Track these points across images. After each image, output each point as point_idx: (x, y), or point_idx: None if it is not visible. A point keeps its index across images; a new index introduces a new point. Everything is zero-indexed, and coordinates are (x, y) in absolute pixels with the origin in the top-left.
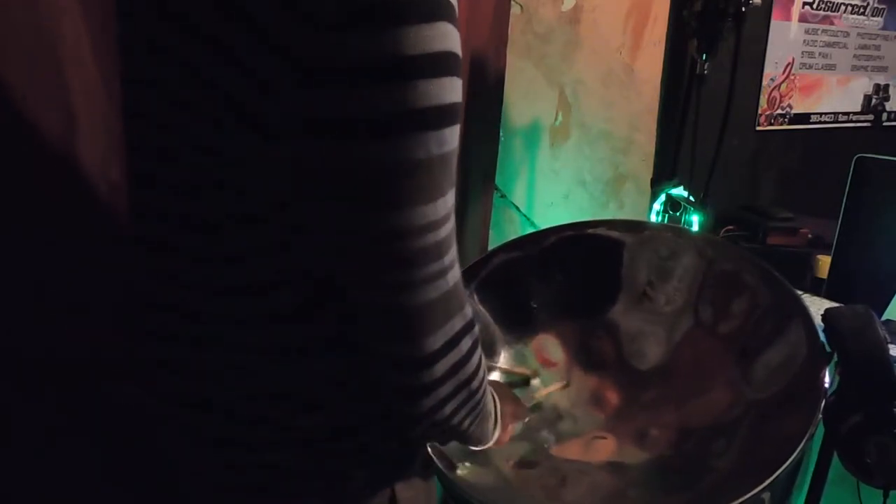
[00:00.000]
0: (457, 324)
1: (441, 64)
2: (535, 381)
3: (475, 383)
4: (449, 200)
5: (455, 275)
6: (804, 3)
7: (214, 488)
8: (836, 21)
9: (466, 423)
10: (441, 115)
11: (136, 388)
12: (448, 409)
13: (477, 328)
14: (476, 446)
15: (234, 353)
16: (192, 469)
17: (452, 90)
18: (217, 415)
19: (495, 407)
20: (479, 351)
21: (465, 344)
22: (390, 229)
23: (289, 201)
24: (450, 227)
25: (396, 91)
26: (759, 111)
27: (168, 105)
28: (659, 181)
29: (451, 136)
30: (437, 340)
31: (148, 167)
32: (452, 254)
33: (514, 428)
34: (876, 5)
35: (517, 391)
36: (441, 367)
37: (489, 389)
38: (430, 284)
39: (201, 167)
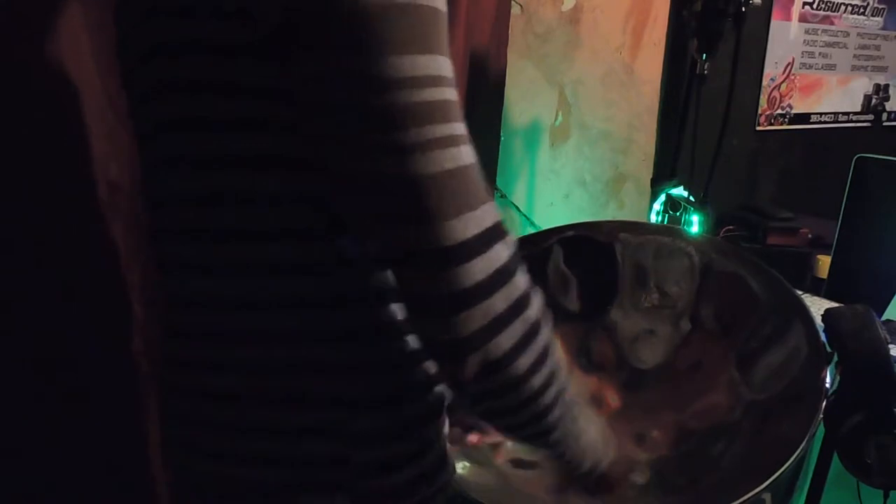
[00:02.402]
0: (488, 217)
1: None
2: None
3: (532, 314)
4: (439, 65)
5: (464, 157)
6: (804, 3)
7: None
8: (836, 21)
9: (538, 381)
10: None
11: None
12: (505, 340)
13: (517, 253)
14: (568, 455)
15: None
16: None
17: None
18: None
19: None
20: (526, 279)
21: (503, 252)
22: (384, 74)
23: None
24: (445, 95)
25: None
26: (759, 111)
27: None
28: (659, 181)
29: None
30: (465, 225)
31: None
32: (460, 130)
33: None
34: (876, 5)
35: None
36: (481, 266)
37: (563, 363)
38: (443, 150)
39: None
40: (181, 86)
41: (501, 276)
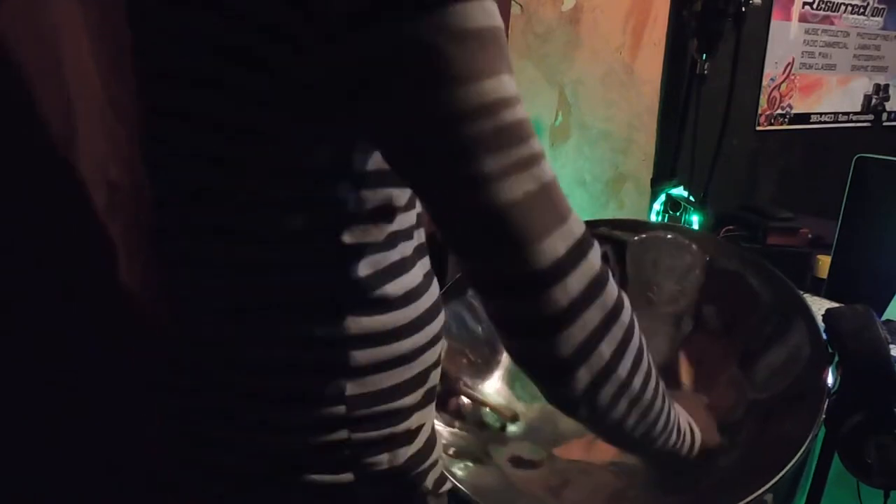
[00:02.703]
0: (576, 228)
1: None
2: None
3: (626, 317)
4: (510, 85)
5: (545, 174)
6: (804, 3)
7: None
8: (836, 21)
9: (639, 380)
10: None
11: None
12: (606, 348)
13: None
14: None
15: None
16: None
17: None
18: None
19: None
20: (613, 281)
21: (594, 261)
22: (456, 107)
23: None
24: (520, 115)
25: None
26: (759, 111)
27: None
28: (659, 181)
29: (494, 9)
30: (556, 243)
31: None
32: (531, 150)
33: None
34: (876, 5)
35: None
36: (576, 280)
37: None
38: (525, 172)
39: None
40: (200, 85)
41: (595, 287)
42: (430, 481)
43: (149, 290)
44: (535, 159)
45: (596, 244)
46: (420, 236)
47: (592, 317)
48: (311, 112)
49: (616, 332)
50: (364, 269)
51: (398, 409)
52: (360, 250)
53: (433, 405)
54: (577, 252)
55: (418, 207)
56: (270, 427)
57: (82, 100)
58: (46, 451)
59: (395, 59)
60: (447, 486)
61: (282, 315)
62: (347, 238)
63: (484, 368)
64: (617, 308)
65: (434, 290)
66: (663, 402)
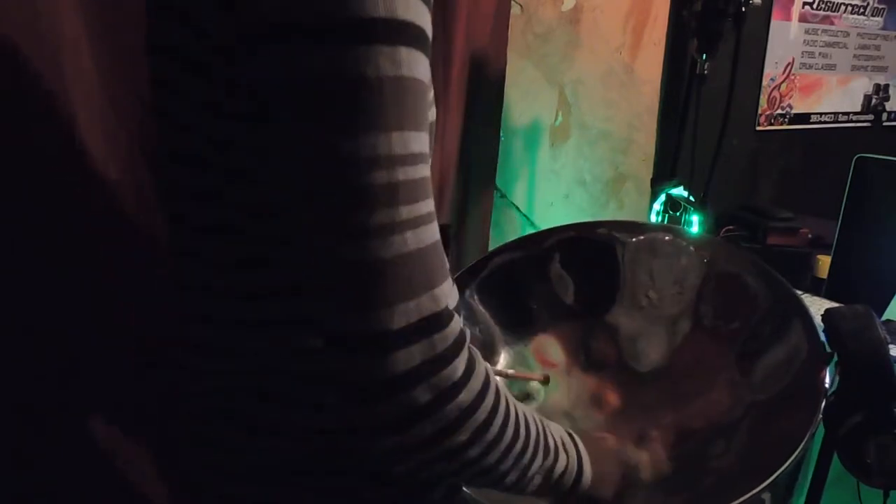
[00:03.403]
0: (424, 308)
1: None
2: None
3: (465, 398)
4: (411, 142)
5: (420, 240)
6: (804, 3)
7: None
8: (836, 21)
9: (479, 456)
10: (394, 30)
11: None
12: (429, 427)
13: (468, 345)
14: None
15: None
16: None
17: (409, 8)
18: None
19: (557, 445)
20: (479, 366)
21: (440, 343)
22: (326, 153)
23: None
24: (413, 175)
25: None
26: (759, 111)
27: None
28: (659, 181)
29: (409, 60)
30: (395, 316)
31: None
32: (418, 212)
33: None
34: (876, 5)
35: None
36: (405, 357)
37: (530, 420)
38: (381, 238)
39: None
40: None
41: (433, 368)
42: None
43: (149, 290)
44: (398, 228)
45: (453, 323)
46: None
47: (422, 397)
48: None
49: (450, 413)
50: None
51: None
52: None
53: None
54: (420, 330)
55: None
56: (303, 434)
57: (82, 100)
58: (46, 451)
59: (301, 89)
60: (462, 492)
61: (310, 324)
62: None
63: (489, 352)
64: (451, 392)
65: None
66: (520, 464)
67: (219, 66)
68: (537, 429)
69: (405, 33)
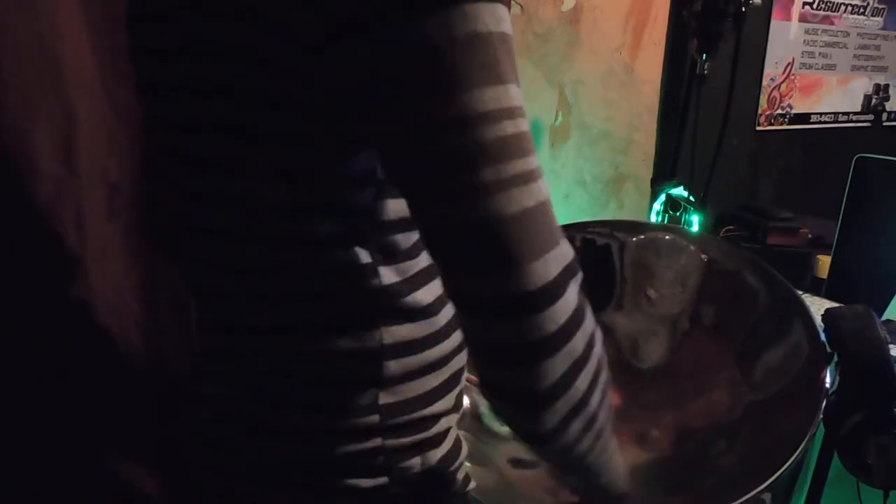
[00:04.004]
0: (567, 252)
1: None
2: None
3: (600, 348)
4: (520, 94)
5: (548, 190)
6: (804, 3)
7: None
8: (836, 21)
9: (602, 417)
10: None
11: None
12: (583, 381)
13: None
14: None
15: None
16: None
17: None
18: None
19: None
20: (589, 307)
21: (579, 283)
22: (459, 112)
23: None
24: (528, 126)
25: None
26: (759, 111)
27: None
28: (659, 181)
29: (505, 16)
30: (549, 265)
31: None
32: (536, 162)
33: None
34: (876, 5)
35: None
36: (564, 307)
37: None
38: (524, 187)
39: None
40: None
41: (578, 315)
42: (458, 481)
43: (149, 290)
44: (534, 175)
45: (580, 271)
46: None
47: (576, 346)
48: (330, 117)
49: (592, 364)
50: (392, 277)
51: (430, 415)
52: (388, 259)
53: (462, 408)
54: (568, 277)
55: None
56: (304, 435)
57: (82, 100)
58: (46, 451)
59: (399, 60)
60: (472, 484)
61: (312, 327)
62: (374, 247)
63: None
64: (594, 337)
65: None
66: (610, 437)
67: (297, 59)
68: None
69: None
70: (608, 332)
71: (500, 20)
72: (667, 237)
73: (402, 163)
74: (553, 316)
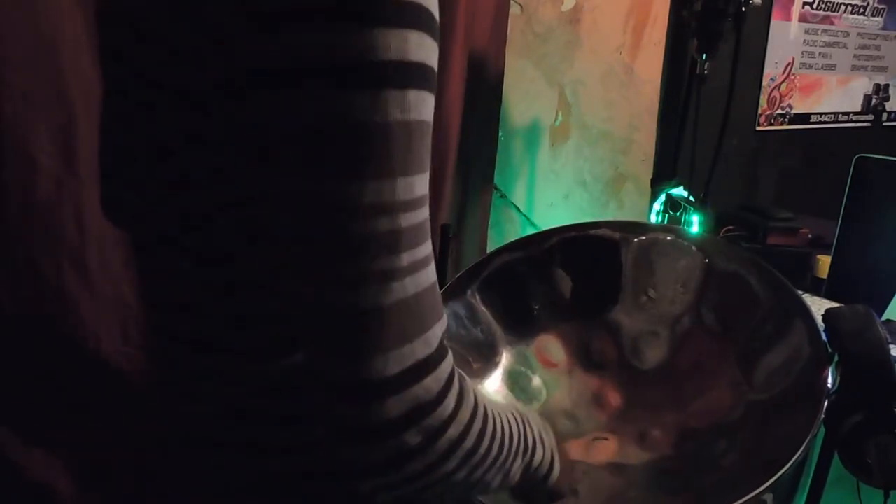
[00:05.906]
0: (419, 351)
1: (408, 14)
2: (537, 381)
3: (468, 440)
4: (416, 187)
5: (418, 284)
6: (804, 3)
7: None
8: (836, 21)
9: (466, 477)
10: (403, 73)
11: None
12: (415, 465)
13: (457, 375)
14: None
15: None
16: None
17: (420, 48)
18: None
19: (535, 440)
20: (468, 395)
21: (433, 385)
22: (330, 200)
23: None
24: (415, 220)
25: (350, 36)
26: (759, 111)
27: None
28: (659, 181)
29: (418, 103)
30: (390, 363)
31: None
32: (417, 256)
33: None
34: (876, 5)
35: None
36: (397, 403)
37: (513, 425)
38: (380, 285)
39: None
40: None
41: (422, 412)
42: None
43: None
44: (398, 274)
45: (444, 362)
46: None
47: (411, 441)
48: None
49: (439, 448)
50: None
51: None
52: None
53: None
54: (412, 375)
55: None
56: (282, 444)
57: (82, 100)
58: (47, 452)
59: (307, 133)
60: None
61: (277, 353)
62: None
63: (483, 369)
64: (440, 431)
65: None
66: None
67: (219, 102)
68: (519, 431)
69: (415, 75)
70: (610, 332)
71: (408, 108)
72: (668, 237)
73: (282, 235)
74: (381, 409)
